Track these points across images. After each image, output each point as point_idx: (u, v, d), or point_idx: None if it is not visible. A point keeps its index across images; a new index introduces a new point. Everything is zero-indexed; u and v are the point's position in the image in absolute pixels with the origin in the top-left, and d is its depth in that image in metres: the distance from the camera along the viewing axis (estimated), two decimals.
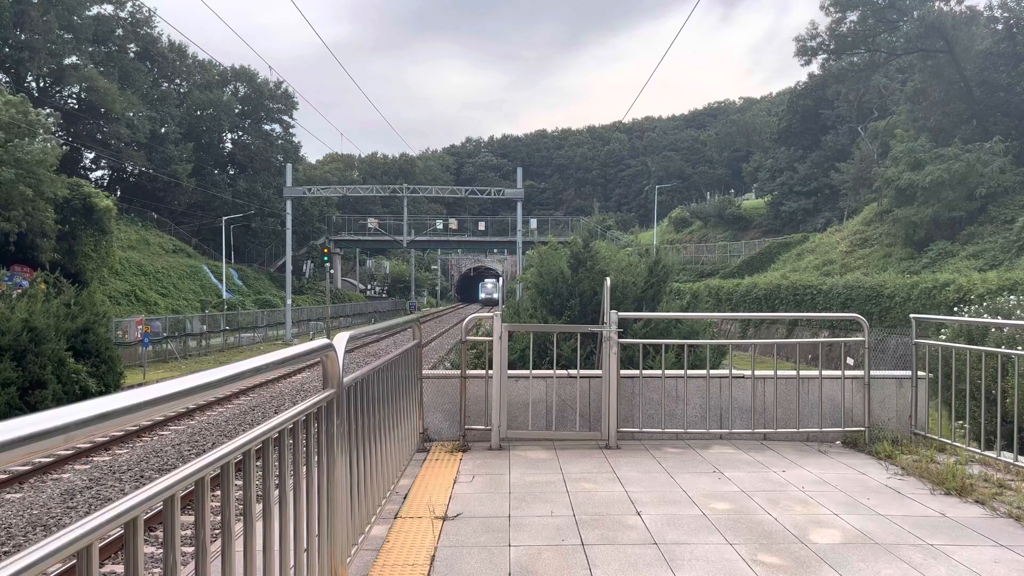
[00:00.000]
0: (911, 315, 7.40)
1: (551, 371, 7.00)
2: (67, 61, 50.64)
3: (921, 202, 36.27)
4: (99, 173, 59.73)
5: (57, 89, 53.33)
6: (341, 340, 3.47)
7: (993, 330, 10.09)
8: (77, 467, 12.58)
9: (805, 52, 49.53)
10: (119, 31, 57.82)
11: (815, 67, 55.67)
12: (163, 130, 59.68)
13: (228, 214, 56.41)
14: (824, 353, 7.32)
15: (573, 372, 7.11)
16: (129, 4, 57.24)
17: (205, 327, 37.37)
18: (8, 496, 10.86)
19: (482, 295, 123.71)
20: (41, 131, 30.07)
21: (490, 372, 6.65)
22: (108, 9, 56.28)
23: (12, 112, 28.71)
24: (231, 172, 70.09)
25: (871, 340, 7.04)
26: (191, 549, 2.20)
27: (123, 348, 24.76)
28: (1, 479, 11.25)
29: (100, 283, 35.32)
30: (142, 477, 11.93)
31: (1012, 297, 14.33)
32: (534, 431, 6.92)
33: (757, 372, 7.00)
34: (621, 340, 6.79)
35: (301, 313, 52.88)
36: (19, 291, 22.81)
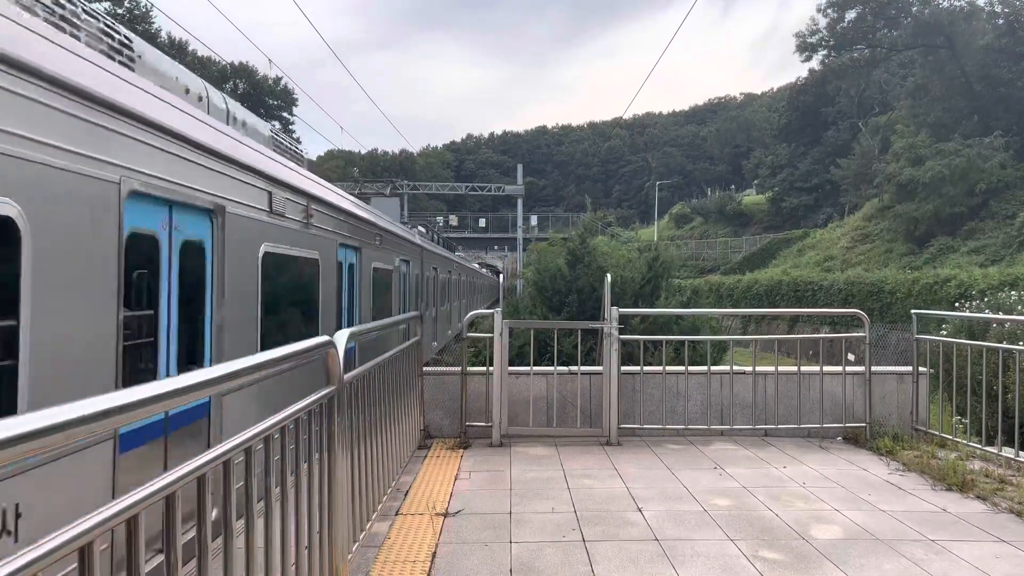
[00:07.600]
0: (912, 311, 7.39)
1: (552, 368, 7.00)
2: None
3: (922, 198, 36.23)
4: None
5: None
6: (342, 337, 3.47)
7: (994, 326, 10.07)
8: None
9: (806, 48, 49.41)
10: None
11: (816, 63, 55.59)
12: None
13: None
14: (825, 349, 7.32)
15: (574, 368, 7.11)
16: (127, 0, 57.18)
17: None
18: None
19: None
20: None
21: (491, 369, 6.65)
22: (106, 5, 56.22)
23: None
24: None
25: (872, 336, 7.04)
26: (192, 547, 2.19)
27: None
28: None
29: None
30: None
31: (1013, 292, 14.30)
32: (535, 428, 6.92)
33: (758, 368, 7.00)
34: (622, 336, 6.80)
35: None
36: None
